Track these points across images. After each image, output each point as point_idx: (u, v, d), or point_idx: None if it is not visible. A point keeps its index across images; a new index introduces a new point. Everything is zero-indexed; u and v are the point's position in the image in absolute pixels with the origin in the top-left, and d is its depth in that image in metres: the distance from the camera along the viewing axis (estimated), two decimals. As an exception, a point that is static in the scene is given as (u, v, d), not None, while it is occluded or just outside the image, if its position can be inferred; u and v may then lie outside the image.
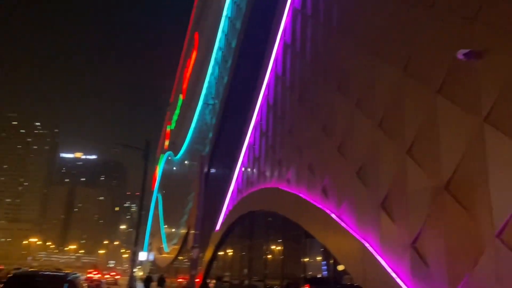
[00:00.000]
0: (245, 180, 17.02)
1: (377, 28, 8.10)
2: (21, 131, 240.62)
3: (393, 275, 6.48)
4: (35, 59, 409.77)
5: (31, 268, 57.51)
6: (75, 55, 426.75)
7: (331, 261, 9.52)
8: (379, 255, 6.92)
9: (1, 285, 10.25)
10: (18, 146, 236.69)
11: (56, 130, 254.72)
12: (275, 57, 14.61)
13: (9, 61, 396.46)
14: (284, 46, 13.96)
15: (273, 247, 14.41)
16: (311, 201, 9.92)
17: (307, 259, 11.32)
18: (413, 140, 6.47)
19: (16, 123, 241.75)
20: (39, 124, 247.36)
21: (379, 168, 7.36)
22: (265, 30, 16.56)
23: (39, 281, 11.15)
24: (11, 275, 11.74)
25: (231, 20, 27.92)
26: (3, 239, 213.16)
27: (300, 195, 10.72)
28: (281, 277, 12.81)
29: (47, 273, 14.46)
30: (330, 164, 9.31)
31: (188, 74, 54.88)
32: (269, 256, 14.52)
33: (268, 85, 15.11)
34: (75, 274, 12.27)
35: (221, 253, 21.86)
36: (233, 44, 24.61)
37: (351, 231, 7.91)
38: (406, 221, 6.45)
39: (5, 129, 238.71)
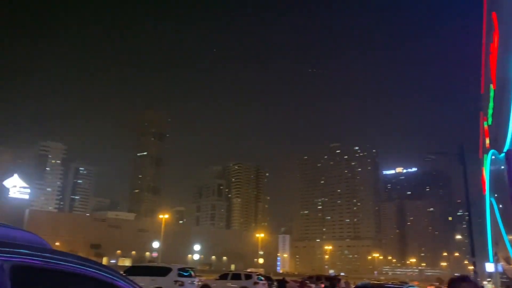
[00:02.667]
0: None
1: None
2: (345, 157, 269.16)
3: None
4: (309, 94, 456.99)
5: (378, 281, 62.30)
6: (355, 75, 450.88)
7: None
8: None
9: None
10: (345, 171, 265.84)
11: (374, 151, 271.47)
12: None
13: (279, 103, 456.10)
14: None
15: None
16: None
17: None
18: None
19: (339, 151, 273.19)
20: (358, 148, 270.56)
21: None
22: None
23: (379, 292, 12.45)
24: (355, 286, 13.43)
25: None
26: (350, 256, 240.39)
27: None
28: None
29: (387, 285, 15.77)
30: None
31: (494, 60, 48.76)
32: None
33: None
34: (412, 286, 12.93)
35: None
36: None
37: None
38: None
39: (332, 159, 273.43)
